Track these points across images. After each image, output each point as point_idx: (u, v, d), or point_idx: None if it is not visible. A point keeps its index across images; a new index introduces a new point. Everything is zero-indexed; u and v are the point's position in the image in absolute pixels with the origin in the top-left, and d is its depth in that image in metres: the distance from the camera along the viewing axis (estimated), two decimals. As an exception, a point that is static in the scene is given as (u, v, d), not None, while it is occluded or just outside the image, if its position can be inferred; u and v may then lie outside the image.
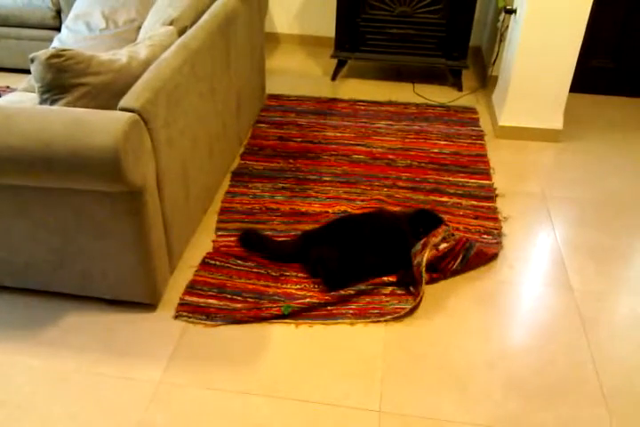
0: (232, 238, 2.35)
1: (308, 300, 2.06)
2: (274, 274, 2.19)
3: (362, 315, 2.03)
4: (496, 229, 2.45)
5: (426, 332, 2.00)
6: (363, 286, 2.10)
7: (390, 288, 2.12)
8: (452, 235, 2.24)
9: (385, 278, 2.14)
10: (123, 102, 1.76)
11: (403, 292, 2.11)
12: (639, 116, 3.42)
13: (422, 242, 2.17)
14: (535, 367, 1.89)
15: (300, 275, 2.19)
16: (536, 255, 2.35)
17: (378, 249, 2.18)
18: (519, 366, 1.89)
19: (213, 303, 2.07)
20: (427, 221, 2.29)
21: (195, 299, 2.08)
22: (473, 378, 1.84)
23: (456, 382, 1.83)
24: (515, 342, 1.98)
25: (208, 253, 2.28)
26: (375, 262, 2.17)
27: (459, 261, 2.20)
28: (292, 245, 2.27)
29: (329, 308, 2.05)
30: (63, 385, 1.78)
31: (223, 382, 1.80)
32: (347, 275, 2.13)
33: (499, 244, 2.37)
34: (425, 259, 2.10)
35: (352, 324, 2.01)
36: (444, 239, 2.20)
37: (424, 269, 2.09)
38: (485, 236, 2.41)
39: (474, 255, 2.22)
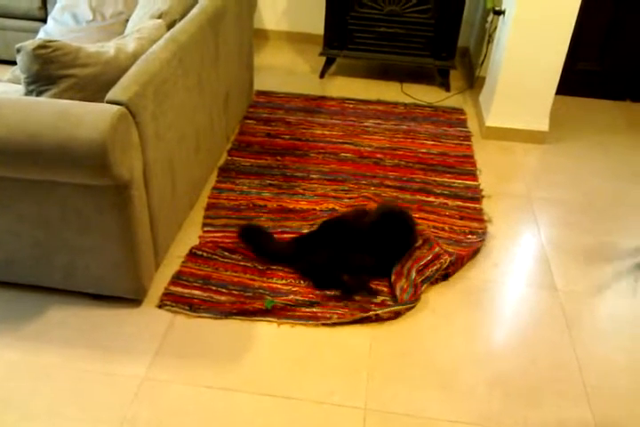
0: (219, 234, 2.34)
1: (292, 296, 2.05)
2: (260, 268, 2.18)
3: (346, 319, 2.01)
4: (481, 229, 2.46)
5: (411, 330, 2.00)
6: (359, 287, 2.10)
7: (381, 298, 2.09)
8: (429, 242, 2.25)
9: (374, 287, 2.13)
10: (110, 95, 1.74)
11: (392, 303, 2.07)
12: (624, 119, 3.45)
13: (404, 264, 2.18)
14: (519, 366, 1.89)
15: (286, 269, 2.18)
16: (521, 255, 2.37)
17: (368, 251, 2.18)
18: (504, 364, 1.90)
19: (198, 294, 2.06)
20: (392, 224, 2.25)
21: (179, 289, 2.08)
22: (458, 376, 1.85)
23: (441, 381, 1.83)
24: (499, 340, 1.99)
25: (196, 245, 2.27)
26: (366, 265, 2.16)
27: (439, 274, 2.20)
28: (286, 248, 2.25)
29: (314, 310, 2.03)
30: (45, 380, 1.76)
31: (207, 379, 1.79)
32: (335, 278, 2.12)
33: (482, 241, 2.38)
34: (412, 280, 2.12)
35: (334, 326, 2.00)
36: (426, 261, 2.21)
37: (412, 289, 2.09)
38: (470, 236, 2.42)
39: (452, 267, 2.23)
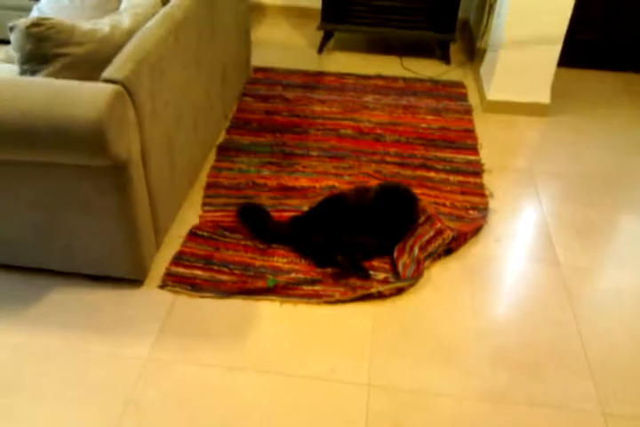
0: (218, 213, 2.33)
1: (293, 275, 2.05)
2: (261, 246, 2.18)
3: (348, 296, 2.01)
4: (483, 204, 2.44)
5: (414, 306, 2.00)
6: (352, 268, 2.08)
7: (383, 275, 2.08)
8: (431, 219, 2.24)
9: (376, 263, 2.12)
10: (106, 73, 1.71)
11: (394, 280, 2.06)
12: (625, 91, 3.41)
13: (407, 241, 2.17)
14: (522, 341, 1.90)
15: (287, 248, 2.17)
16: (523, 230, 2.35)
17: (370, 229, 2.17)
18: (507, 339, 1.90)
19: (199, 275, 2.05)
20: (394, 201, 2.24)
21: (181, 270, 2.07)
22: (461, 352, 1.85)
23: (444, 356, 1.84)
24: (502, 316, 1.99)
25: (195, 224, 2.26)
26: (365, 245, 2.15)
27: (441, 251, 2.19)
28: (283, 228, 2.24)
29: (316, 288, 2.03)
30: (50, 363, 1.76)
31: (211, 358, 1.79)
32: (330, 258, 2.11)
33: (484, 217, 2.36)
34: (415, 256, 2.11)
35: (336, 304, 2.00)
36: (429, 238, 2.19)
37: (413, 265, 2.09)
38: (472, 211, 2.40)
39: (455, 243, 2.22)
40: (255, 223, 2.25)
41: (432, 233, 2.20)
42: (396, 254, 2.12)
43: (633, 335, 1.93)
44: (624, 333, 1.94)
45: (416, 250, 2.12)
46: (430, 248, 2.15)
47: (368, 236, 2.15)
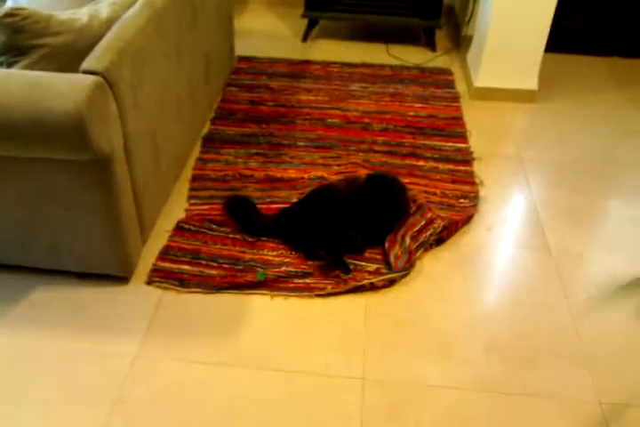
0: (205, 207, 2.28)
1: (284, 268, 2.01)
2: (250, 240, 2.14)
3: (340, 288, 1.98)
4: (473, 193, 2.42)
5: (406, 298, 1.98)
6: (334, 262, 2.04)
7: (375, 266, 2.05)
8: (422, 208, 2.21)
9: (367, 255, 2.09)
10: (85, 64, 1.66)
11: (386, 271, 2.03)
12: (612, 76, 3.40)
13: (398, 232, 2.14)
14: (516, 330, 1.88)
15: (276, 241, 2.14)
16: (514, 218, 2.34)
17: (358, 220, 2.13)
18: (500, 328, 1.88)
19: (187, 269, 2.01)
20: (381, 190, 2.22)
21: (168, 265, 2.03)
22: (455, 342, 1.83)
23: (439, 347, 1.81)
24: (495, 305, 1.97)
25: (182, 218, 2.22)
26: (352, 237, 2.12)
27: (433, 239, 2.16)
28: (270, 221, 2.19)
29: (307, 281, 1.99)
30: (34, 363, 1.72)
31: (201, 355, 1.76)
32: (314, 252, 2.08)
33: (475, 206, 2.34)
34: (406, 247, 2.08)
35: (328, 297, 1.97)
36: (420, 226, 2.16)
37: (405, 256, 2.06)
38: (462, 200, 2.38)
39: (446, 232, 2.19)
40: (242, 216, 2.21)
41: (423, 223, 2.17)
42: (387, 245, 2.09)
43: (627, 322, 1.92)
44: (618, 319, 1.93)
45: (407, 240, 2.10)
46: (422, 238, 2.13)
47: (356, 229, 2.11)
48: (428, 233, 2.14)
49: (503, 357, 1.79)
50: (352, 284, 1.97)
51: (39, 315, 1.86)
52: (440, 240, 2.18)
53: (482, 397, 1.68)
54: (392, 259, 2.04)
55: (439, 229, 2.15)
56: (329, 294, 1.96)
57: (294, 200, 2.28)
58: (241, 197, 2.29)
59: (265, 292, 1.96)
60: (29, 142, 1.58)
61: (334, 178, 2.41)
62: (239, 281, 1.96)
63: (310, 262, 2.04)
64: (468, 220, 2.28)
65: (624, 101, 3.16)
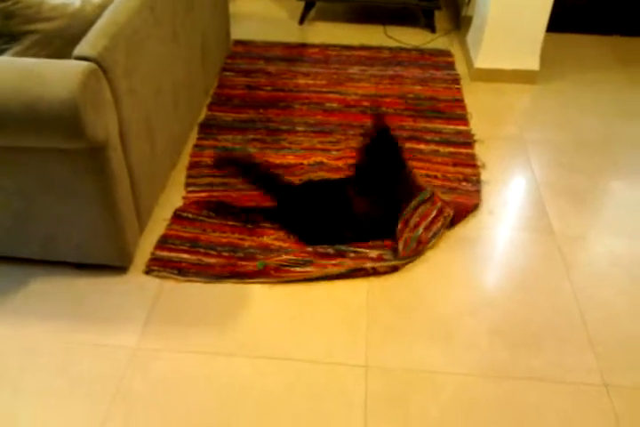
0: (203, 194, 2.25)
1: (284, 256, 1.99)
2: (249, 226, 2.11)
3: (342, 268, 1.95)
4: (475, 176, 2.39)
5: (408, 283, 1.96)
6: (344, 247, 2.02)
7: (377, 252, 2.01)
8: (431, 198, 2.17)
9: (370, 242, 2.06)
10: (78, 50, 1.62)
11: (389, 257, 2.00)
12: (613, 55, 3.35)
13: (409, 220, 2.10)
14: (520, 314, 1.86)
15: (275, 226, 2.11)
16: (516, 200, 2.31)
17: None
18: (504, 313, 1.86)
19: (186, 258, 1.99)
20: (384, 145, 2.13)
21: (166, 253, 2.00)
22: (459, 328, 1.81)
23: (442, 333, 1.80)
24: (498, 289, 1.95)
25: (180, 206, 2.19)
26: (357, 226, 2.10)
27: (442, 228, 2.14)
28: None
29: (308, 269, 1.96)
30: (32, 355, 1.70)
31: (202, 345, 1.74)
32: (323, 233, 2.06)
33: (478, 192, 2.31)
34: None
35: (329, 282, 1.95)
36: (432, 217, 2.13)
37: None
38: (465, 183, 2.35)
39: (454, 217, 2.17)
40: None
41: (435, 213, 2.13)
42: (400, 226, 2.05)
43: (631, 304, 1.91)
44: (622, 301, 1.92)
45: (420, 229, 2.06)
46: (434, 228, 2.09)
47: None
48: (440, 224, 2.10)
49: (507, 341, 1.78)
50: (354, 265, 1.94)
51: (36, 306, 1.84)
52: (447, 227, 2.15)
53: (487, 382, 1.66)
54: (401, 246, 2.01)
55: (449, 219, 2.12)
56: (329, 275, 1.93)
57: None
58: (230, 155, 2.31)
59: (265, 280, 1.93)
60: (22, 131, 1.55)
61: (334, 163, 2.38)
62: (239, 270, 1.94)
63: (310, 249, 2.01)
64: (474, 208, 2.24)
65: (626, 81, 3.11)
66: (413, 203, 2.11)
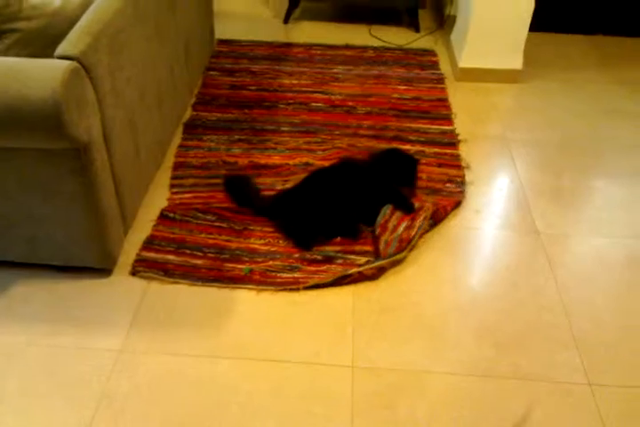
0: (188, 195, 2.24)
1: (271, 262, 1.97)
2: (237, 228, 2.10)
3: (328, 278, 1.94)
4: (460, 177, 2.39)
5: (394, 283, 1.96)
6: (332, 253, 2.00)
7: (365, 259, 1.99)
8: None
9: (358, 248, 2.05)
10: (60, 49, 1.60)
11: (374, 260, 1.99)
12: (596, 55, 3.38)
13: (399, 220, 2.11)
14: (506, 313, 1.87)
15: (264, 229, 2.10)
16: (501, 200, 2.32)
17: (352, 203, 2.11)
18: (490, 312, 1.87)
19: (172, 259, 1.97)
20: (397, 161, 2.23)
21: (152, 254, 1.99)
22: (445, 327, 1.82)
23: (428, 333, 1.80)
24: (485, 289, 1.95)
25: (166, 206, 2.17)
26: (350, 217, 2.10)
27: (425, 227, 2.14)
28: (269, 200, 2.17)
29: (295, 275, 1.94)
30: (15, 359, 1.68)
31: (188, 347, 1.73)
32: (316, 233, 2.05)
33: (462, 192, 2.31)
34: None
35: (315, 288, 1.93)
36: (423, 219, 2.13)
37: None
38: (449, 184, 2.35)
39: (436, 215, 2.18)
40: (240, 194, 2.20)
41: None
42: (378, 231, 2.06)
43: (616, 303, 1.92)
44: (606, 300, 1.93)
45: (401, 229, 2.06)
46: (417, 224, 2.08)
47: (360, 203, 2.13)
48: (422, 217, 2.10)
49: (493, 340, 1.78)
50: (340, 273, 1.93)
51: (19, 310, 1.81)
52: (431, 225, 2.15)
53: (473, 381, 1.67)
54: (382, 246, 2.01)
55: (430, 212, 2.12)
56: (316, 286, 1.92)
57: (279, 187, 2.24)
58: (241, 176, 2.28)
59: (252, 287, 1.91)
60: (5, 131, 1.53)
61: (319, 164, 2.37)
62: (225, 275, 1.92)
63: (297, 255, 2.00)
64: (456, 205, 2.25)
65: (608, 79, 3.14)
66: (387, 210, 2.12)
